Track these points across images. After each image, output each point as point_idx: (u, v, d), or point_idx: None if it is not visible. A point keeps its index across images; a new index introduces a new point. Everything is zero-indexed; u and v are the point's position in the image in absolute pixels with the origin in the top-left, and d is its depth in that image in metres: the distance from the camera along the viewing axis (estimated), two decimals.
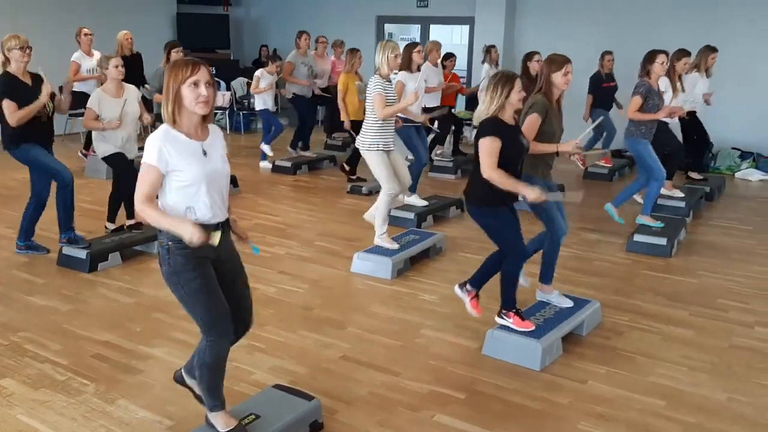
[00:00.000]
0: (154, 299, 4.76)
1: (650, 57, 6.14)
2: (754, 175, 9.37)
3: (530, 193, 3.78)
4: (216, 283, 2.85)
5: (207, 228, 2.72)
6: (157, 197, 2.76)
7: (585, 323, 4.33)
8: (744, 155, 9.74)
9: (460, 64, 11.09)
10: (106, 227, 5.95)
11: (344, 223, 6.07)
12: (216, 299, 2.83)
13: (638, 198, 7.14)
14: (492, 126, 3.83)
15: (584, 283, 5.25)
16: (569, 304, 4.45)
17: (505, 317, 4.10)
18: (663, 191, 7.89)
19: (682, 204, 7.04)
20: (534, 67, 7.15)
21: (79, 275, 5.19)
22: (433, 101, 8.36)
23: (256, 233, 6.30)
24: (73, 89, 8.44)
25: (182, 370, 3.19)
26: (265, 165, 9.19)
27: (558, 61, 4.29)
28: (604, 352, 4.13)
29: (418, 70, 6.99)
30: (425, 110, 7.83)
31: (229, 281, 2.93)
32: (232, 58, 13.87)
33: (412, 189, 7.30)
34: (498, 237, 4.05)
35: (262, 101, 9.02)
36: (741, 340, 4.33)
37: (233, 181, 7.86)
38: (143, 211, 2.69)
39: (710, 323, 4.58)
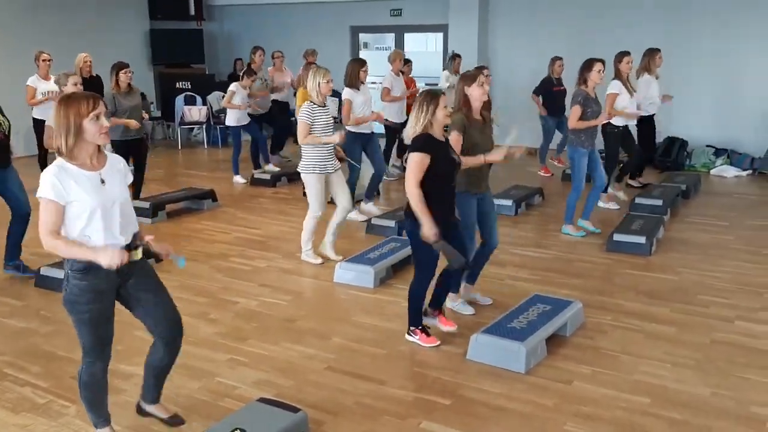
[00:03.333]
0: (134, 317, 4.69)
1: (587, 65, 6.30)
2: (729, 172, 9.49)
3: (426, 229, 3.87)
4: (107, 316, 2.99)
5: (127, 247, 2.87)
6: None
7: (568, 324, 4.35)
8: (718, 152, 9.87)
9: (435, 71, 11.15)
10: None
11: (325, 234, 6.05)
12: (101, 331, 2.99)
13: (601, 203, 7.27)
14: (423, 142, 3.95)
15: (566, 284, 5.28)
16: (471, 311, 4.71)
17: (412, 334, 4.28)
18: (600, 204, 7.80)
19: (660, 202, 7.11)
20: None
21: (58, 296, 5.03)
22: (398, 110, 8.43)
23: (236, 246, 6.27)
24: (33, 116, 8.39)
25: (139, 399, 3.37)
26: (239, 179, 9.15)
27: (471, 76, 4.48)
28: (588, 352, 4.15)
29: (363, 84, 7.09)
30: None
31: (138, 295, 3.05)
32: (207, 72, 13.83)
33: (369, 196, 7.35)
34: (417, 254, 4.16)
35: (235, 118, 8.97)
36: (722, 335, 4.37)
37: (212, 195, 7.81)
38: (53, 246, 2.78)
39: (691, 319, 4.62)
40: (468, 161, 4.29)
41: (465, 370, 3.93)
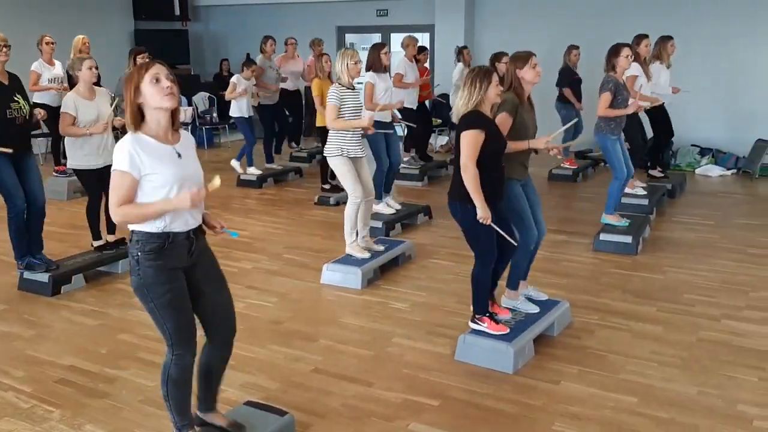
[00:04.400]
0: (120, 320, 4.66)
1: (615, 50, 6.09)
2: (714, 171, 9.54)
3: (481, 212, 3.77)
4: (186, 295, 2.80)
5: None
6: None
7: (555, 324, 4.35)
8: (703, 152, 9.92)
9: None
10: (92, 245, 5.76)
11: (312, 235, 6.02)
12: (185, 313, 2.80)
13: (629, 189, 7.13)
14: (476, 119, 3.79)
15: (553, 284, 5.27)
16: (535, 309, 4.38)
17: (478, 322, 4.08)
18: (626, 189, 8.01)
19: (646, 202, 7.13)
20: (502, 68, 7.17)
21: (42, 299, 5.07)
22: (410, 97, 8.35)
23: (222, 248, 6.20)
24: (34, 101, 8.30)
25: (197, 413, 3.12)
26: (253, 170, 9.04)
27: (522, 57, 4.25)
28: (575, 351, 4.15)
29: (386, 70, 6.99)
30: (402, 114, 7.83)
31: (202, 287, 2.86)
32: (192, 73, 13.75)
33: (378, 196, 7.30)
34: (472, 237, 3.97)
35: (238, 108, 8.84)
36: (708, 334, 4.39)
37: None
38: (124, 214, 2.61)
39: (678, 318, 4.64)
40: (513, 146, 4.09)
41: (453, 371, 3.92)
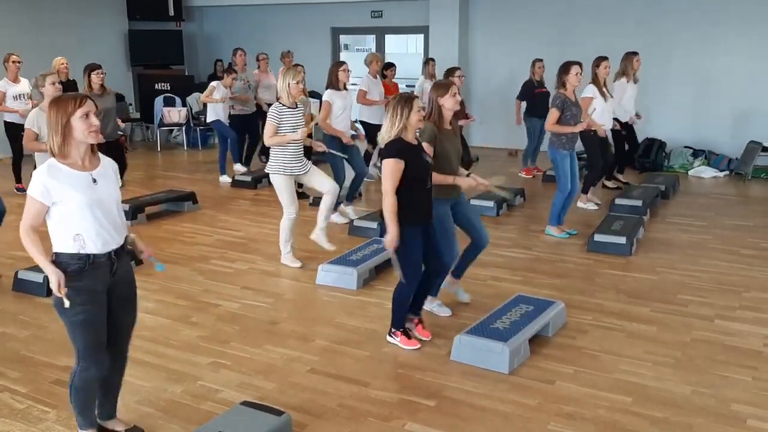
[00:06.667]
0: None
1: (565, 69, 6.35)
2: (707, 173, 9.60)
3: (389, 238, 3.93)
4: (101, 314, 2.95)
5: (83, 270, 2.85)
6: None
7: (550, 324, 4.37)
8: (696, 153, 9.99)
9: (416, 73, 11.15)
10: None
11: (307, 236, 6.03)
12: (96, 332, 2.94)
13: (582, 204, 7.28)
14: (396, 148, 3.96)
15: (548, 284, 5.30)
16: (447, 313, 4.70)
17: (393, 336, 4.28)
18: (579, 204, 7.67)
19: (639, 203, 7.17)
20: (456, 82, 7.08)
21: (37, 300, 5.05)
22: (376, 114, 8.38)
23: (217, 249, 6.22)
24: (5, 120, 8.28)
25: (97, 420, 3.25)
26: (225, 179, 9.12)
27: (444, 86, 4.48)
28: (570, 351, 4.18)
29: (345, 88, 7.07)
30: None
31: (114, 306, 3.02)
32: (186, 73, 13.73)
33: (349, 198, 7.30)
34: (401, 257, 4.05)
35: (214, 112, 8.96)
36: (701, 334, 4.42)
37: (192, 197, 7.75)
38: (23, 239, 2.83)
39: (671, 318, 4.66)
40: (439, 179, 4.22)
41: (449, 371, 3.93)
